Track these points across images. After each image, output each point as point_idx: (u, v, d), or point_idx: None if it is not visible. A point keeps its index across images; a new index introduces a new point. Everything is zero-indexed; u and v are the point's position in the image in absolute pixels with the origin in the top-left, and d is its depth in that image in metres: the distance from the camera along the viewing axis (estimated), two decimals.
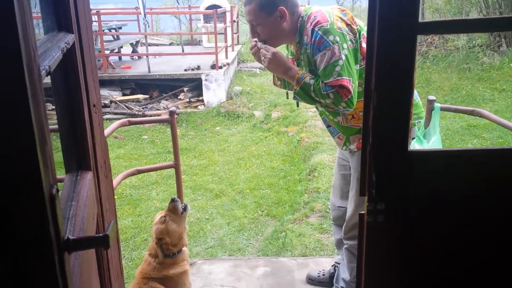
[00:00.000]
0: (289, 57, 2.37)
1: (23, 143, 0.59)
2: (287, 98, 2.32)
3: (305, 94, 2.13)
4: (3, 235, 0.60)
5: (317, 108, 2.39)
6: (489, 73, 8.90)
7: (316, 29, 2.05)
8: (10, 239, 0.61)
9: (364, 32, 2.14)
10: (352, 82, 2.02)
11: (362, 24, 2.18)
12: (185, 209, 2.60)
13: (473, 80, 8.76)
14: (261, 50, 2.19)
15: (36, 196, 0.60)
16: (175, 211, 2.54)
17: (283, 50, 2.52)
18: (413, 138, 2.52)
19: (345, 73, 2.01)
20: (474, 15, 10.77)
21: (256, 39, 2.25)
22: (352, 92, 2.02)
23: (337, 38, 2.02)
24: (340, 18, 2.09)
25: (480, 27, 1.25)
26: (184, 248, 2.57)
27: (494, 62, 9.20)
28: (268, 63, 2.18)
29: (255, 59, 2.27)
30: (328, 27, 2.03)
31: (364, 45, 2.12)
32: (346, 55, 2.02)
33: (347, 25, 2.09)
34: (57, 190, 0.66)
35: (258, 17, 2.17)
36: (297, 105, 2.54)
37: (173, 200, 2.56)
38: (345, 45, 2.03)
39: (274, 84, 2.53)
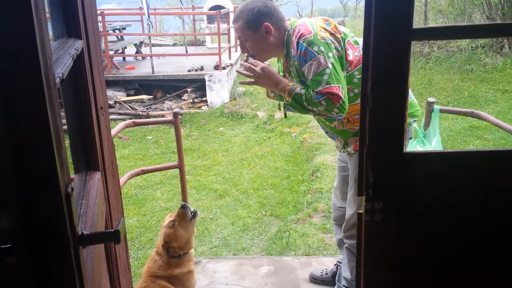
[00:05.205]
0: (281, 73, 2.41)
1: (42, 146, 0.64)
2: (280, 110, 2.37)
3: (297, 104, 2.19)
4: (24, 231, 0.66)
5: (314, 115, 2.44)
6: (492, 74, 8.92)
7: (301, 41, 2.12)
8: (30, 235, 0.66)
9: (349, 39, 2.21)
10: (342, 88, 2.09)
11: (347, 31, 2.24)
12: (194, 215, 2.64)
13: (476, 81, 8.78)
14: (250, 66, 2.24)
15: (53, 194, 0.65)
16: (184, 217, 2.59)
17: (275, 62, 2.58)
18: (410, 138, 2.57)
19: (333, 80, 2.07)
20: (477, 16, 10.78)
21: (246, 55, 2.32)
22: (343, 98, 2.08)
23: (322, 48, 2.09)
24: (324, 28, 2.16)
25: (471, 34, 1.30)
26: (191, 250, 2.63)
27: (497, 63, 9.21)
28: (258, 78, 2.25)
29: (246, 76, 2.28)
30: (312, 38, 2.10)
31: (349, 52, 2.20)
32: (332, 63, 2.09)
33: (331, 34, 2.15)
34: (72, 189, 0.71)
35: (245, 34, 2.27)
36: (285, 116, 2.56)
37: (183, 207, 2.60)
38: (330, 54, 2.10)
39: (268, 96, 2.59)
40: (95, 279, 0.90)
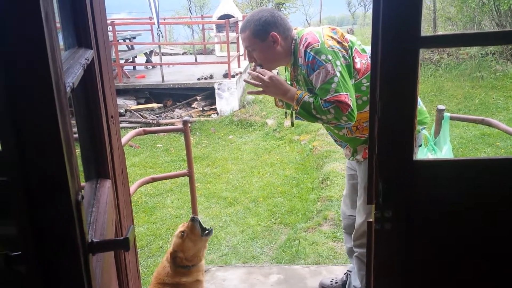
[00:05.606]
0: (288, 81, 2.41)
1: (53, 154, 0.65)
2: (286, 118, 2.37)
3: (306, 112, 2.19)
4: (34, 239, 0.66)
5: (323, 124, 2.44)
6: (503, 81, 8.85)
7: (308, 50, 2.13)
8: (40, 242, 0.67)
9: (356, 47, 2.21)
10: (350, 96, 2.09)
11: (354, 39, 2.25)
12: (208, 233, 2.60)
13: (486, 88, 8.72)
14: (258, 75, 2.25)
15: (64, 202, 0.66)
16: (193, 230, 2.56)
17: (282, 71, 2.58)
18: (420, 145, 2.55)
19: (341, 89, 2.08)
20: (486, 23, 10.72)
21: (254, 64, 2.34)
22: (351, 106, 2.08)
23: (329, 57, 2.09)
24: (331, 37, 2.16)
25: (480, 41, 1.30)
26: (201, 262, 2.61)
27: (508, 70, 9.14)
28: (266, 87, 2.26)
29: (254, 85, 2.31)
30: (319, 47, 2.11)
31: (357, 60, 2.20)
32: (340, 72, 2.09)
33: (338, 42, 2.16)
34: (82, 197, 0.72)
35: (252, 43, 2.28)
36: (292, 125, 2.55)
37: (192, 220, 2.57)
38: (338, 62, 2.10)
39: (276, 105, 2.59)
40: (104, 286, 0.91)
